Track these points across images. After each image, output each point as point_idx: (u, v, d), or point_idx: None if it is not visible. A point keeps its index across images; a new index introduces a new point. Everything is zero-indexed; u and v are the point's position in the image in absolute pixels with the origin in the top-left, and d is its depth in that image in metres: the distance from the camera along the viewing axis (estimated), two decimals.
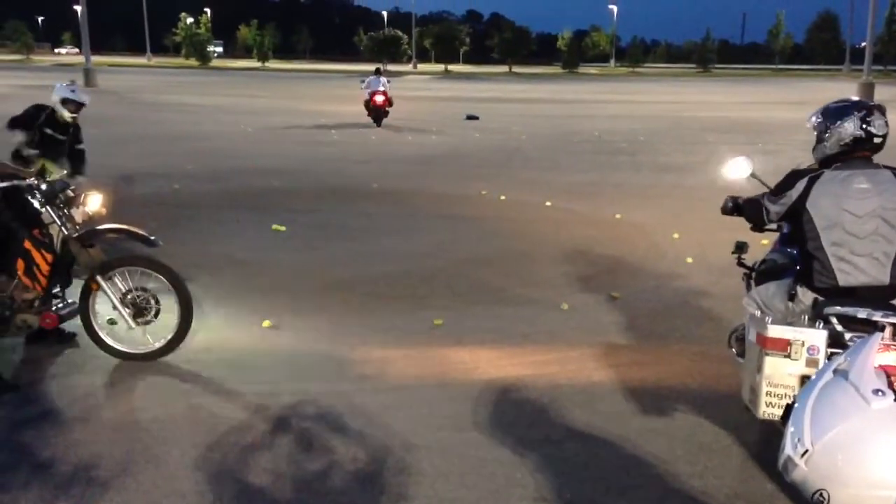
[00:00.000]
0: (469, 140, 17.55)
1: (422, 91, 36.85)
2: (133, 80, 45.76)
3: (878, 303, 3.25)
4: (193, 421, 3.95)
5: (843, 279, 3.35)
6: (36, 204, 4.57)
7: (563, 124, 21.63)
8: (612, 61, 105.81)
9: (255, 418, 3.99)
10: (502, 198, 10.20)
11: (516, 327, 5.44)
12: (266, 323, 5.41)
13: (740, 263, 4.20)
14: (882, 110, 3.49)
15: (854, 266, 3.34)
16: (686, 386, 4.43)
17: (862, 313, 3.17)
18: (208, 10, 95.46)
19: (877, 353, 2.90)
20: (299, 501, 3.28)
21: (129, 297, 4.67)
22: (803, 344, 3.13)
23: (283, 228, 8.32)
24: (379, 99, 20.69)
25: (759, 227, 3.84)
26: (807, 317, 3.47)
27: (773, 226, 3.75)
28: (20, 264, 4.52)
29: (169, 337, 4.66)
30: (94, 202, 4.79)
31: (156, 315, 4.71)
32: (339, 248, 7.69)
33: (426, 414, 4.06)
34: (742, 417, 4.03)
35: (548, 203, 9.72)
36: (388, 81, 21.81)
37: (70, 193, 4.70)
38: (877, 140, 3.45)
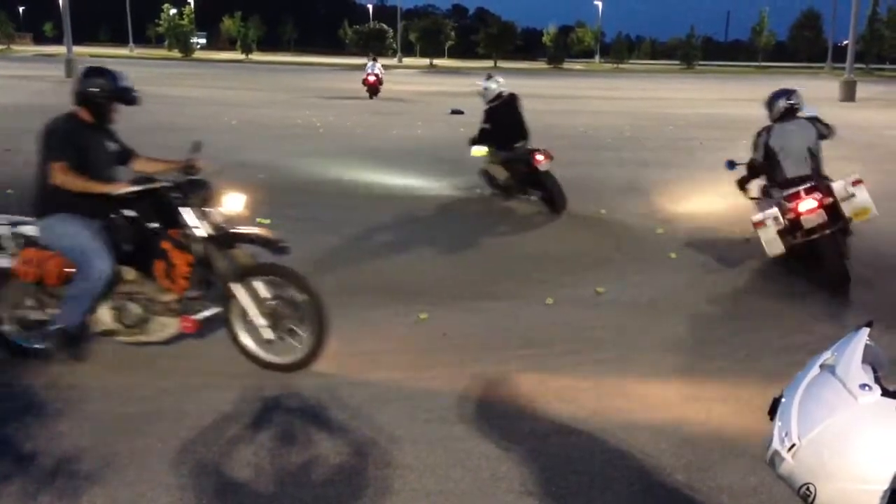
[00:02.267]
0: (454, 134, 17.49)
1: (407, 85, 36.72)
2: None
3: (805, 181, 6.22)
4: (177, 414, 3.93)
5: (790, 173, 6.37)
6: (175, 203, 4.37)
7: (548, 120, 21.63)
8: (597, 57, 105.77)
9: (239, 411, 3.98)
10: (487, 193, 10.19)
11: (501, 322, 5.45)
12: None
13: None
14: (797, 91, 6.72)
15: (794, 166, 6.38)
16: (669, 380, 4.46)
17: (785, 192, 6.23)
18: (191, 1, 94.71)
19: (801, 202, 6.05)
20: (283, 494, 3.28)
21: (266, 305, 4.41)
22: (767, 219, 6.13)
23: (267, 221, 8.26)
24: (371, 79, 28.29)
25: (760, 172, 6.77)
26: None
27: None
28: (158, 266, 4.34)
29: (306, 350, 4.40)
30: (234, 203, 4.52)
31: (292, 326, 4.43)
32: (324, 241, 7.65)
33: (411, 407, 4.06)
34: (725, 411, 4.07)
35: (532, 198, 9.72)
36: (382, 67, 29.69)
37: (209, 193, 4.48)
38: (796, 107, 6.64)
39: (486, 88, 9.20)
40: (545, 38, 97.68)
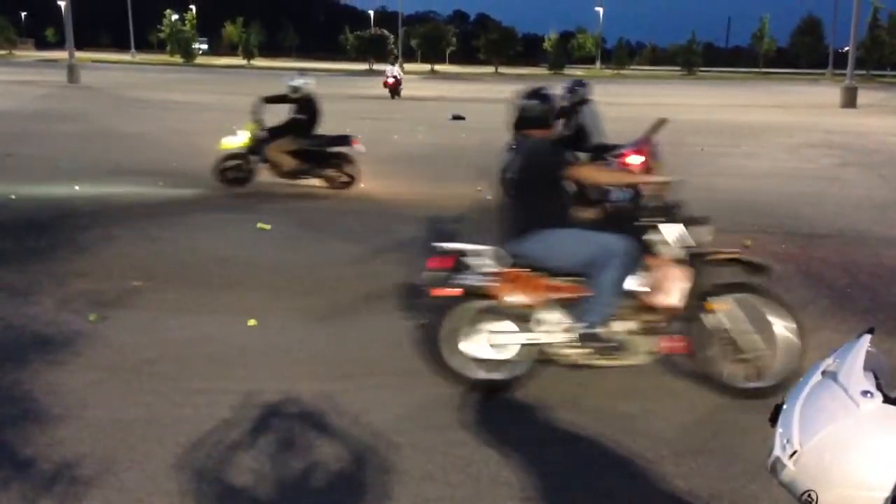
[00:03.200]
0: (455, 140, 17.54)
1: (408, 91, 36.73)
2: (117, 77, 45.41)
3: (606, 145, 8.42)
4: (177, 419, 3.92)
5: (596, 141, 8.42)
6: (661, 219, 4.24)
7: None
8: (598, 63, 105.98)
9: (239, 417, 3.96)
10: (488, 197, 10.18)
11: None
12: (251, 321, 5.38)
13: None
14: (585, 82, 9.18)
15: (598, 136, 8.61)
16: (671, 388, 4.45)
17: (613, 153, 8.01)
18: (193, 7, 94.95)
19: (630, 157, 7.66)
20: (282, 500, 3.27)
21: (733, 328, 4.23)
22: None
23: (268, 227, 8.27)
24: (390, 80, 32.79)
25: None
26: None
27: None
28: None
29: (772, 378, 4.17)
30: (701, 226, 4.30)
31: (759, 353, 4.23)
32: (324, 246, 7.66)
33: (411, 413, 4.05)
34: (726, 419, 4.06)
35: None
36: (400, 70, 35.09)
37: (682, 209, 4.32)
38: (588, 95, 8.81)
39: (305, 84, 11.02)
40: (546, 44, 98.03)
